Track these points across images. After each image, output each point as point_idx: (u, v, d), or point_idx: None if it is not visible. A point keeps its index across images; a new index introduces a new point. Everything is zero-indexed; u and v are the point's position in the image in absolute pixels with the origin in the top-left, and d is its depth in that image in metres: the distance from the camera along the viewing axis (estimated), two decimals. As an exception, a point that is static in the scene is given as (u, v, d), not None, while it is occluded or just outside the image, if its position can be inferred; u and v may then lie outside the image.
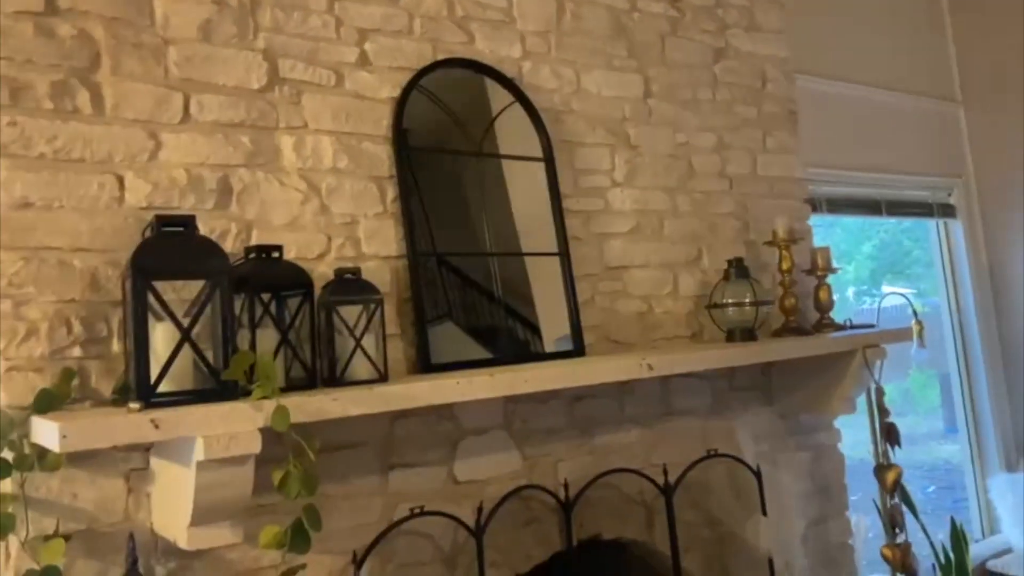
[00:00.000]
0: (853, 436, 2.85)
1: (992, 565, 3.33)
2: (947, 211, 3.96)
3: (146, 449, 1.53)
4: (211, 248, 1.45)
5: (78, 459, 1.45)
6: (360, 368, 1.62)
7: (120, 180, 1.59)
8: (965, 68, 4.09)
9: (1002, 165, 3.97)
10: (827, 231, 3.68)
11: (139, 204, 1.60)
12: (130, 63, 1.63)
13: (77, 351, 1.50)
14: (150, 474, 1.54)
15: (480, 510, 1.88)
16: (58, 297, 1.50)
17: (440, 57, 2.06)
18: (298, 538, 1.40)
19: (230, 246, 1.68)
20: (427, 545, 1.84)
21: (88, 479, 1.48)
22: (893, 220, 4.79)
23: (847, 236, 4.33)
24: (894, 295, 3.41)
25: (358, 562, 1.69)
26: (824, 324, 2.60)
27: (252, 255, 1.60)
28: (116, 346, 1.54)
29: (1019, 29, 3.90)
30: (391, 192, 1.94)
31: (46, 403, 1.41)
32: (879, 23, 3.75)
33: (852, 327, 2.60)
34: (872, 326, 2.64)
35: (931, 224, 4.02)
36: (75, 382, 1.48)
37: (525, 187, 2.16)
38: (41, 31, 1.54)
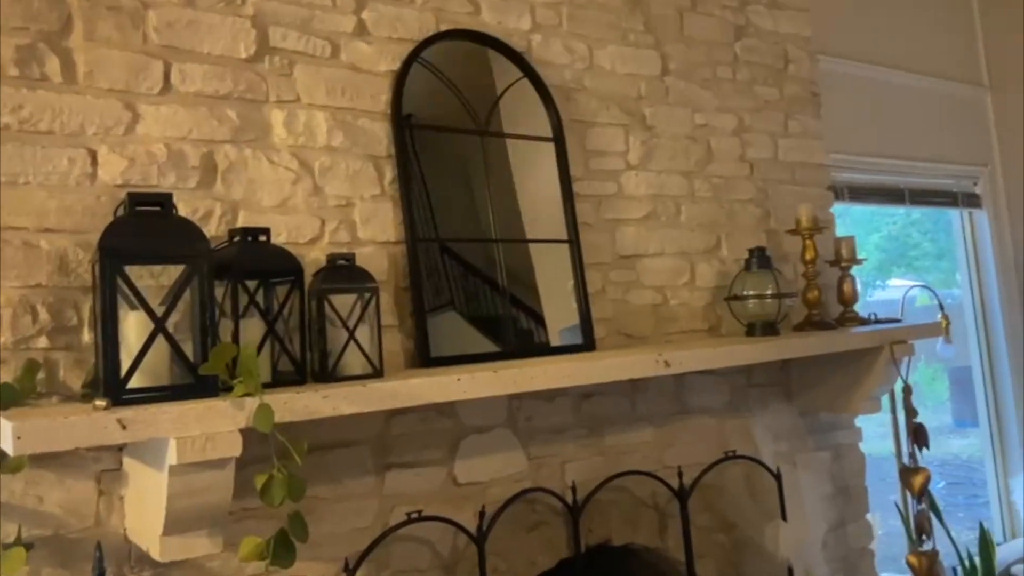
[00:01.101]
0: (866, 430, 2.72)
1: (1016, 570, 3.20)
2: (972, 201, 3.80)
3: (119, 448, 1.41)
4: (189, 230, 1.32)
5: (44, 460, 1.33)
6: (353, 362, 1.49)
7: (93, 155, 1.46)
8: (993, 51, 3.92)
9: (1031, 154, 3.81)
10: (839, 213, 3.53)
11: (113, 181, 1.47)
12: (105, 28, 1.50)
13: (43, 341, 1.38)
14: (123, 475, 1.41)
15: (482, 514, 1.76)
16: (23, 282, 1.37)
17: (444, 28, 1.92)
18: (282, 549, 1.27)
19: (214, 228, 1.55)
20: (425, 551, 1.72)
21: (55, 481, 1.36)
22: (903, 211, 4.64)
23: (855, 227, 4.18)
24: (916, 288, 3.26)
25: (350, 570, 1.56)
26: (847, 318, 2.46)
27: (237, 238, 1.47)
28: (87, 336, 1.42)
29: (1050, 11, 3.73)
30: (389, 173, 1.80)
31: (8, 398, 1.29)
32: (906, 3, 3.58)
33: (877, 321, 2.46)
34: (898, 320, 2.50)
35: (954, 215, 3.86)
36: (41, 375, 1.35)
37: (533, 169, 2.02)
38: (6, -10, 1.41)
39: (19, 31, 1.42)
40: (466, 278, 1.89)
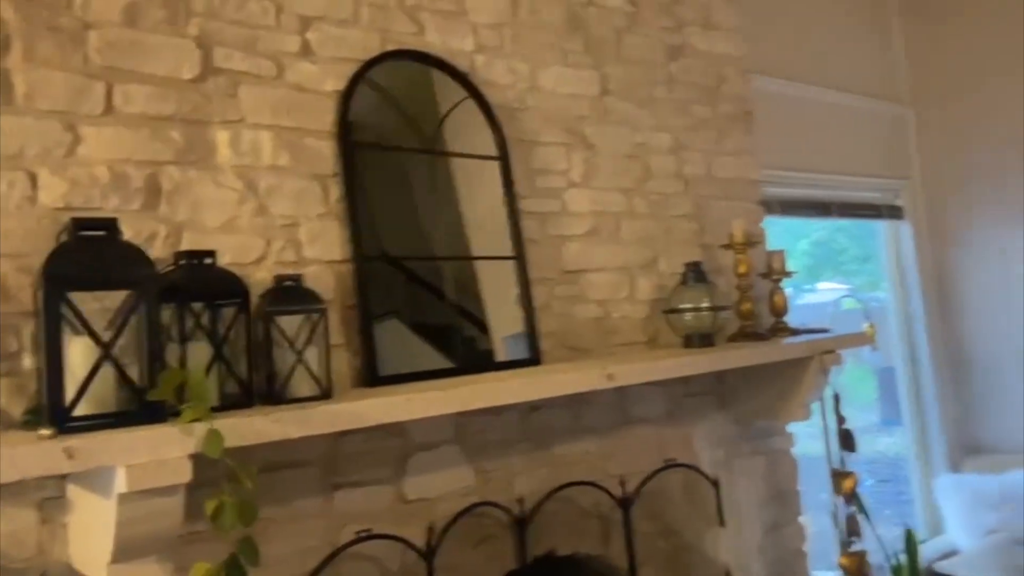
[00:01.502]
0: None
1: (939, 567, 3.36)
2: (895, 212, 3.98)
3: (62, 476, 1.39)
4: (135, 255, 1.31)
5: (-17, 489, 1.30)
6: (301, 384, 1.50)
7: (33, 177, 1.44)
8: (915, 71, 4.12)
9: (949, 168, 4.01)
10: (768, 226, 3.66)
11: (54, 204, 1.45)
12: (45, 48, 1.48)
13: (-17, 368, 1.35)
14: (67, 503, 1.39)
15: (431, 530, 1.78)
16: (-40, 308, 1.34)
17: (389, 48, 1.95)
18: (233, 574, 1.27)
19: (159, 250, 1.54)
20: (373, 569, 1.73)
21: (-5, 510, 1.33)
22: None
23: (785, 233, 4.34)
24: (845, 296, 3.40)
25: (300, 591, 1.57)
26: (779, 328, 2.56)
27: (182, 261, 1.46)
28: (28, 362, 1.39)
29: (967, 33, 3.94)
30: (335, 191, 1.82)
31: (-54, 427, 1.26)
32: (832, 24, 3.74)
33: (807, 331, 2.56)
34: (827, 330, 2.61)
35: (879, 225, 4.04)
36: (-20, 403, 1.33)
37: (479, 187, 2.05)
38: (-59, 10, 1.38)
39: (-46, 52, 1.39)
40: (411, 287, 1.91)
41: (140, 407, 1.27)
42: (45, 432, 1.18)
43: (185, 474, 1.23)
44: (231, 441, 1.26)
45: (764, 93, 3.15)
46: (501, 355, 2.00)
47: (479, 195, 2.05)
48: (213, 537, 1.47)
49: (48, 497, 1.38)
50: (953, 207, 4.01)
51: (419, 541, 1.75)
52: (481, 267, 2.02)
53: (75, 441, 1.15)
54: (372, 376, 1.75)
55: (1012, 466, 3.65)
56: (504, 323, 2.03)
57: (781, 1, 3.43)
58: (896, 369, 4.06)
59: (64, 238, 1.32)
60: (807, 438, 2.89)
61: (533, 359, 2.03)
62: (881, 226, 4.05)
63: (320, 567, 1.60)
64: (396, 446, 1.81)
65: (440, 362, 1.88)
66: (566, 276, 2.23)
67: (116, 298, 1.34)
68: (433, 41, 2.03)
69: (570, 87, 2.32)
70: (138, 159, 1.56)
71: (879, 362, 3.95)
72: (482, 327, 1.99)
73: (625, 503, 2.11)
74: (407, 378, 1.79)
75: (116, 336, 1.27)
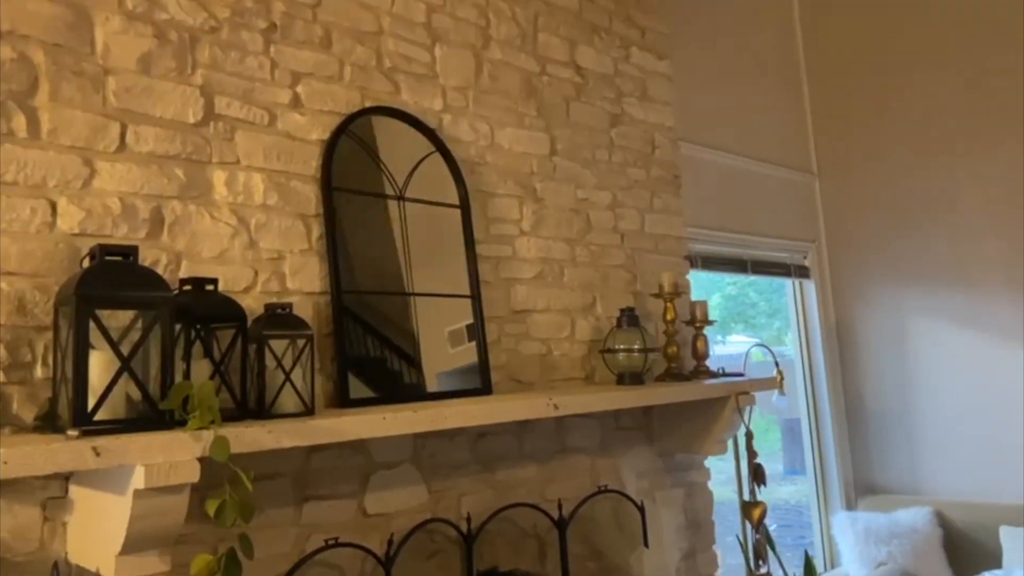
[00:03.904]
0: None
1: (835, 594, 3.67)
2: (802, 272, 4.38)
3: (65, 478, 1.52)
4: (153, 279, 1.47)
5: (-5, 487, 1.43)
6: (287, 401, 1.67)
7: (53, 205, 1.59)
8: (820, 143, 4.58)
9: (850, 232, 4.45)
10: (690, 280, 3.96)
11: (71, 230, 1.61)
12: (69, 90, 1.64)
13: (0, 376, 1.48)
14: (68, 503, 1.52)
15: (390, 542, 1.95)
16: (-17, 320, 1.48)
17: (368, 104, 2.16)
18: (231, 566, 1.43)
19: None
20: (337, 576, 1.89)
21: (3, 507, 1.45)
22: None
23: (699, 287, 4.69)
24: (757, 347, 3.74)
25: (272, 592, 1.72)
26: (700, 371, 2.84)
27: (188, 287, 1.63)
28: (40, 372, 1.53)
29: (866, 109, 4.42)
30: (317, 230, 2.01)
31: (-34, 429, 1.39)
32: (750, 100, 4.15)
33: (725, 375, 2.85)
34: (742, 375, 2.91)
35: (787, 282, 4.43)
36: (-3, 408, 1.46)
37: (443, 231, 2.27)
38: (-20, 51, 1.54)
39: (-10, 89, 1.54)
40: (377, 326, 2.08)
41: (151, 415, 1.42)
42: (72, 433, 1.32)
43: (195, 474, 1.39)
44: (233, 448, 1.42)
45: (691, 159, 3.50)
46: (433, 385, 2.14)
47: (442, 239, 2.27)
48: (197, 539, 1.64)
49: (52, 497, 1.51)
50: (853, 268, 4.44)
51: (378, 552, 1.92)
52: (424, 307, 2.17)
53: (101, 441, 1.30)
54: (343, 398, 1.93)
55: (900, 505, 4.04)
56: (435, 363, 2.17)
57: (709, 77, 3.81)
58: (800, 420, 4.42)
59: (89, 262, 1.48)
60: (719, 484, 3.17)
61: (485, 389, 2.23)
62: (788, 283, 4.44)
63: (291, 571, 1.75)
64: (360, 464, 1.99)
65: (398, 390, 2.06)
66: (514, 315, 2.46)
67: (123, 316, 1.50)
68: (407, 99, 2.27)
69: (523, 146, 2.58)
70: (145, 193, 1.72)
71: (784, 409, 4.29)
72: (416, 364, 2.12)
73: (561, 525, 2.32)
74: (374, 401, 1.97)
75: (135, 350, 1.42)
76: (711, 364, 2.91)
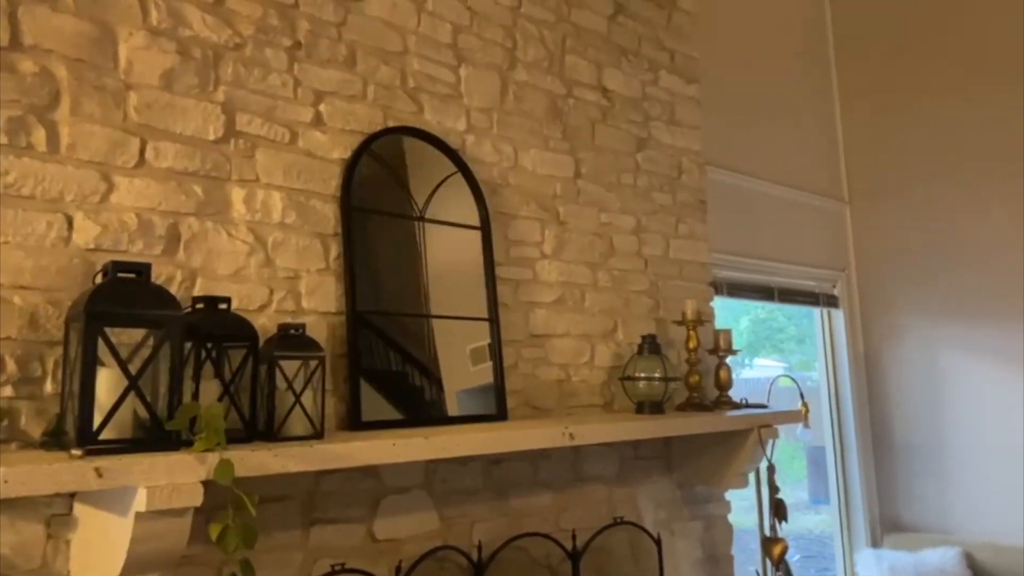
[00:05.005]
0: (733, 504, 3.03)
1: (857, 635, 3.56)
2: (831, 301, 4.30)
3: (70, 495, 1.50)
4: (165, 297, 1.46)
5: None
6: (297, 424, 1.65)
7: (69, 220, 1.59)
8: (852, 169, 4.50)
9: (881, 261, 4.36)
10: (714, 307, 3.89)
11: (87, 245, 1.60)
12: (90, 104, 1.64)
13: (8, 390, 1.48)
14: (72, 521, 1.50)
15: (399, 569, 1.91)
16: (-5, 334, 1.47)
17: (391, 124, 2.15)
18: (231, 593, 1.40)
19: (175, 293, 1.68)
20: (344, 602, 1.85)
21: (7, 524, 1.44)
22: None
23: (726, 311, 4.63)
24: (783, 376, 3.66)
25: (276, 618, 1.69)
26: (723, 401, 2.78)
27: (200, 305, 1.61)
28: (49, 387, 1.52)
29: (900, 136, 4.34)
30: (334, 250, 1.99)
31: (-28, 443, 1.38)
32: (780, 125, 4.10)
33: (748, 406, 2.79)
34: (765, 406, 2.84)
35: (816, 312, 4.34)
36: (4, 422, 1.45)
37: (461, 253, 2.25)
38: (2, 65, 1.54)
39: (11, 103, 1.54)
40: (394, 344, 2.06)
41: (157, 435, 1.40)
42: (76, 452, 1.31)
43: (198, 498, 1.36)
44: (237, 471, 1.40)
45: (719, 184, 3.45)
46: (452, 409, 2.12)
47: (461, 260, 2.24)
48: (200, 561, 1.61)
49: (56, 514, 1.49)
50: (884, 298, 4.34)
51: (386, 578, 1.89)
52: (444, 329, 2.16)
53: (104, 462, 1.28)
54: (355, 421, 1.90)
55: (928, 544, 3.91)
56: (456, 381, 2.16)
57: (737, 101, 3.76)
58: (825, 447, 4.32)
59: (101, 278, 1.47)
60: (742, 511, 3.10)
61: (501, 415, 2.20)
62: (817, 311, 4.35)
63: (296, 596, 1.72)
64: (371, 488, 1.96)
65: (416, 412, 2.04)
66: (533, 339, 2.42)
67: (133, 334, 1.49)
68: (430, 120, 2.25)
69: (547, 168, 2.55)
70: (163, 209, 1.72)
71: (809, 440, 4.20)
72: (439, 384, 2.12)
73: (574, 556, 2.27)
74: (386, 425, 1.94)
75: (144, 369, 1.41)
76: (735, 392, 2.85)
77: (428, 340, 2.12)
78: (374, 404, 1.94)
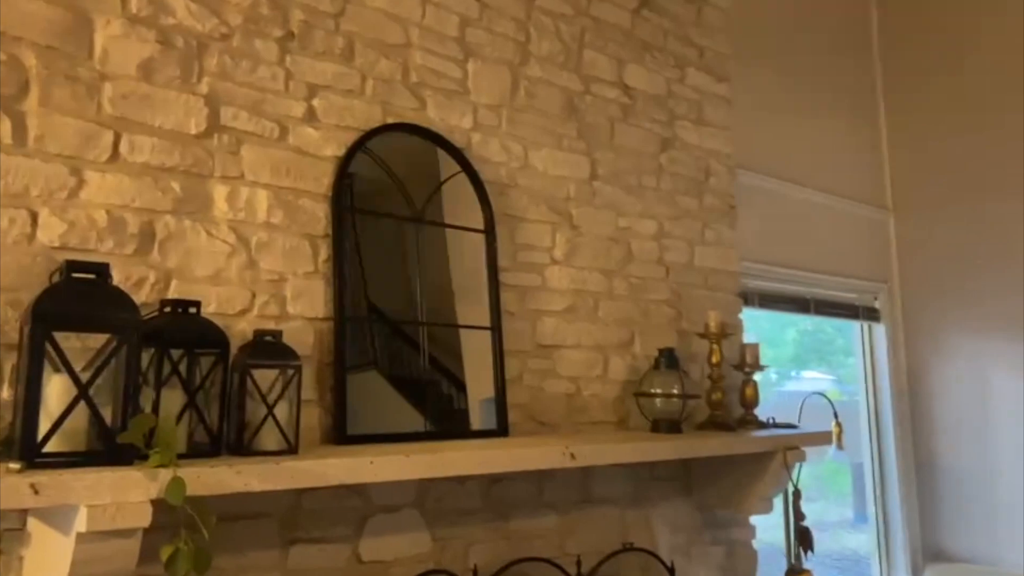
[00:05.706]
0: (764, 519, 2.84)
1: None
2: (872, 315, 4.07)
3: (23, 508, 1.41)
4: (121, 299, 1.36)
5: (-56, 516, 1.33)
6: (269, 438, 1.54)
7: (34, 216, 1.50)
8: (897, 177, 4.26)
9: (927, 274, 4.12)
10: (754, 312, 3.71)
11: (51, 243, 1.51)
12: (61, 95, 1.56)
13: (-39, 396, 1.39)
14: (25, 536, 1.41)
15: (383, 594, 1.79)
16: (-53, 336, 1.39)
17: (390, 120, 2.04)
18: (180, 621, 1.29)
19: (146, 295, 1.60)
20: (323, 628, 1.74)
21: (-47, 538, 1.35)
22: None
23: (772, 320, 4.42)
24: (816, 393, 3.45)
25: (246, 644, 1.58)
26: (747, 420, 2.60)
27: (167, 309, 1.51)
28: (6, 393, 1.43)
29: (949, 142, 4.09)
30: (324, 251, 1.88)
31: (-84, 452, 1.29)
32: (821, 127, 3.88)
33: (774, 425, 2.61)
34: (794, 426, 2.66)
35: (856, 325, 4.12)
36: (-46, 430, 1.36)
37: (464, 256, 2.12)
38: (-33, 52, 1.46)
39: (-25, 92, 1.46)
40: (392, 340, 1.96)
41: (109, 448, 1.30)
42: (14, 466, 1.21)
43: (145, 518, 1.26)
44: (194, 489, 1.29)
45: (751, 188, 3.26)
46: (475, 418, 2.04)
47: (464, 265, 2.12)
48: (165, 582, 1.50)
49: (8, 528, 1.40)
50: (929, 312, 4.10)
51: (370, 603, 1.77)
52: (463, 338, 2.07)
53: (41, 477, 1.18)
54: (340, 434, 1.79)
55: (973, 576, 3.67)
56: (482, 386, 2.08)
57: (772, 101, 3.57)
58: (863, 464, 4.09)
59: (56, 278, 1.37)
60: (774, 528, 2.92)
61: (501, 430, 2.06)
62: (857, 325, 4.13)
63: (268, 622, 1.61)
64: (357, 506, 1.84)
65: (409, 424, 1.92)
66: (540, 350, 2.28)
67: (99, 339, 1.39)
68: (433, 117, 2.13)
69: (560, 169, 2.41)
70: (136, 206, 1.62)
71: (845, 461, 3.98)
72: (460, 386, 2.04)
73: (580, 583, 2.13)
74: (375, 439, 1.82)
75: (94, 377, 1.31)
76: (773, 407, 2.67)
77: (445, 347, 2.00)
78: (356, 418, 1.82)
